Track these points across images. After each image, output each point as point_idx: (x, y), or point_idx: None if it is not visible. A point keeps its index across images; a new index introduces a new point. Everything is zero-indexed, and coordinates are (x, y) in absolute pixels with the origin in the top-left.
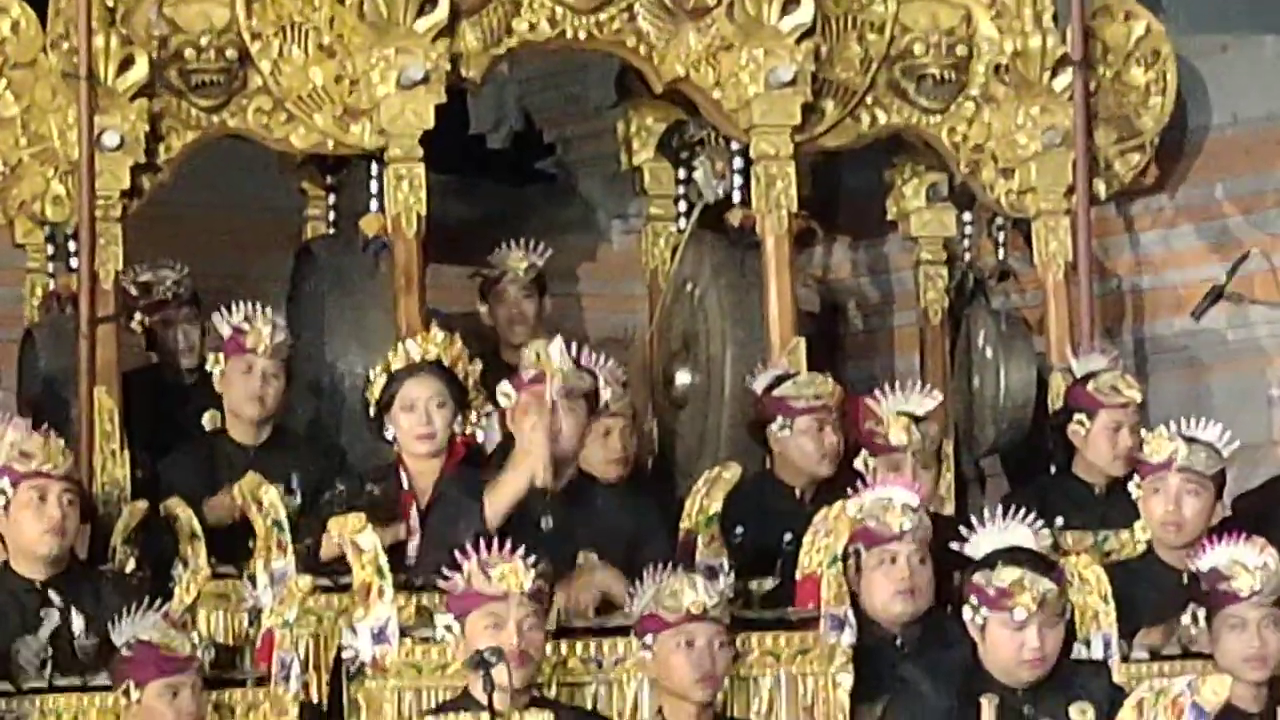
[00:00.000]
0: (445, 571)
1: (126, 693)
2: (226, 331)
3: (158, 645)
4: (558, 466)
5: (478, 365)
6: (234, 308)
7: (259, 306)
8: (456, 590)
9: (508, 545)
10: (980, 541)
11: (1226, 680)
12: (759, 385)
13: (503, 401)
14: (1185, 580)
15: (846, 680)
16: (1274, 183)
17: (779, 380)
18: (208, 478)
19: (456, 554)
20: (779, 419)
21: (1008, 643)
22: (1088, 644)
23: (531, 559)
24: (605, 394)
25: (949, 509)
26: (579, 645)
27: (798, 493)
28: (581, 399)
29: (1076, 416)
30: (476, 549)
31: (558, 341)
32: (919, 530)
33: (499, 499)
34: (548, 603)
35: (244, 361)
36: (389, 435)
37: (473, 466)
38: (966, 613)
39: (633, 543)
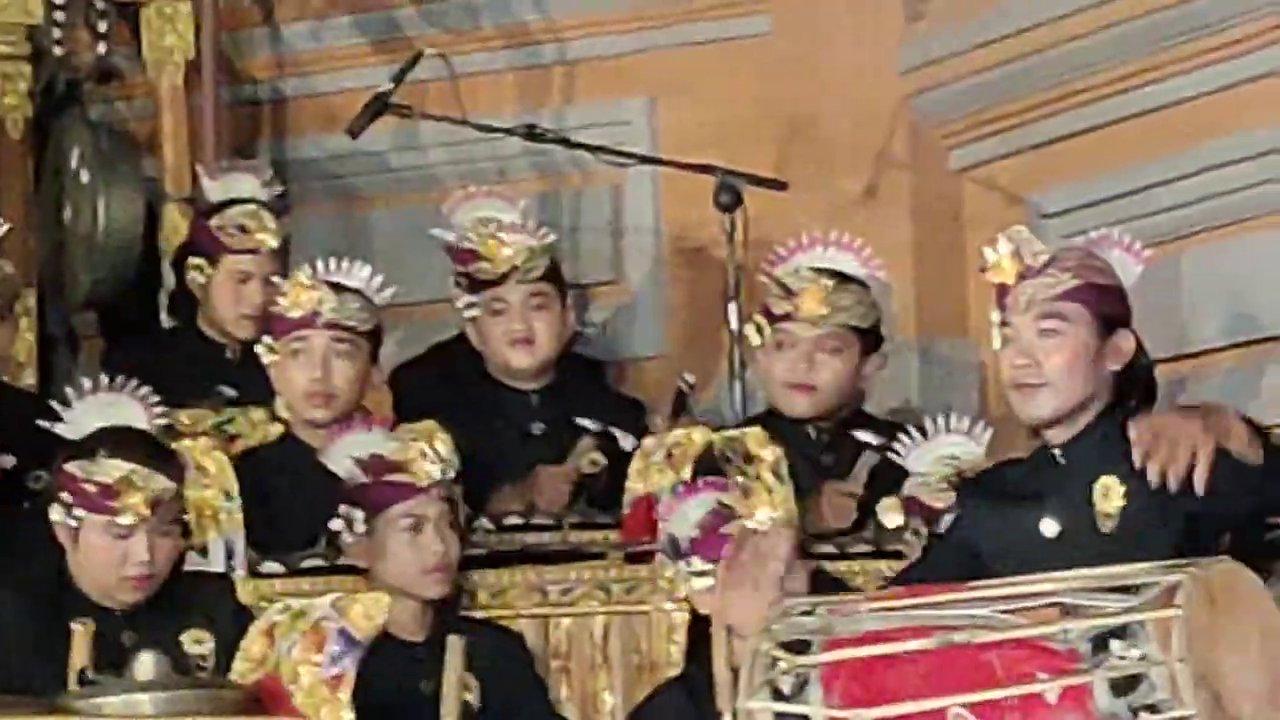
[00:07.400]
0: None
1: None
2: None
3: None
4: None
5: None
6: None
7: None
8: None
9: None
10: (74, 419)
11: (383, 600)
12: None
13: None
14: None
15: None
16: None
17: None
18: None
19: None
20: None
21: (107, 554)
22: (204, 552)
23: None
24: None
25: (29, 378)
26: None
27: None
28: None
29: (194, 260)
30: None
31: None
32: None
33: None
34: None
35: None
36: None
37: None
38: (55, 512)
39: None
